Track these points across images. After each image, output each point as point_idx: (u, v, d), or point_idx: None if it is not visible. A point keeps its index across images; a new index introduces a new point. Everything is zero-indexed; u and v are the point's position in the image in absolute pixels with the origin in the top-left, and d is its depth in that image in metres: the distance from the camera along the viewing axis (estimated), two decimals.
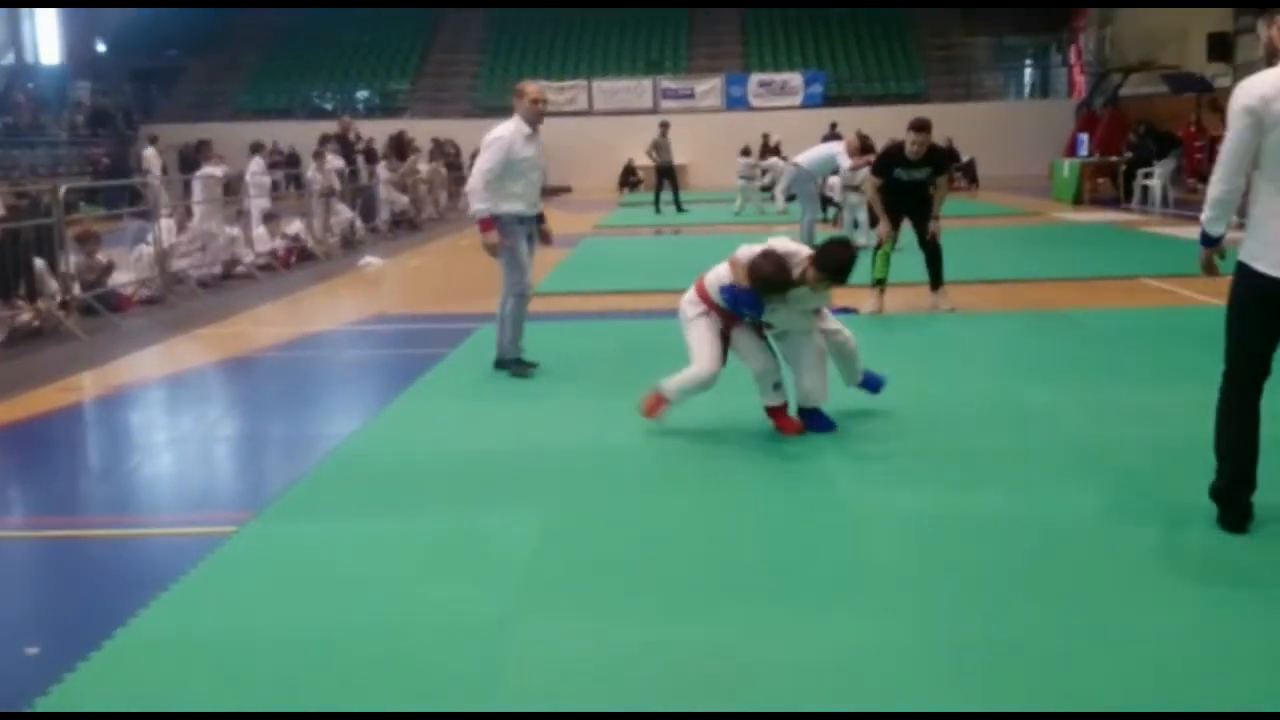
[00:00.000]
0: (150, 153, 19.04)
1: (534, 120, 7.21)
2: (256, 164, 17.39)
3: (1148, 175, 20.99)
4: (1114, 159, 23.00)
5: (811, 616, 3.63)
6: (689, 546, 4.26)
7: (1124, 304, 9.83)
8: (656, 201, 22.53)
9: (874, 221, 9.83)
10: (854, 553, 4.16)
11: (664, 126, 23.13)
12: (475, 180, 7.14)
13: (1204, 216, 4.29)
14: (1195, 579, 3.88)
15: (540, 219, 7.53)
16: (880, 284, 9.51)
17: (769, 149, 26.76)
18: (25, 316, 9.70)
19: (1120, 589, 3.78)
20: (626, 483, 5.05)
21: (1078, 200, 22.03)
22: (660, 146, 22.55)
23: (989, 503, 4.65)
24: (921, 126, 9.24)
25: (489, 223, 7.08)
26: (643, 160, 31.06)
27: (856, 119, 25.85)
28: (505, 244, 7.20)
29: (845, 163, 14.83)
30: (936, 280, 9.58)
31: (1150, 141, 22.22)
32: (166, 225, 12.62)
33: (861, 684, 3.16)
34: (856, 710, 3.02)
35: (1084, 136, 24.75)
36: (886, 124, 28.63)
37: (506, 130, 7.16)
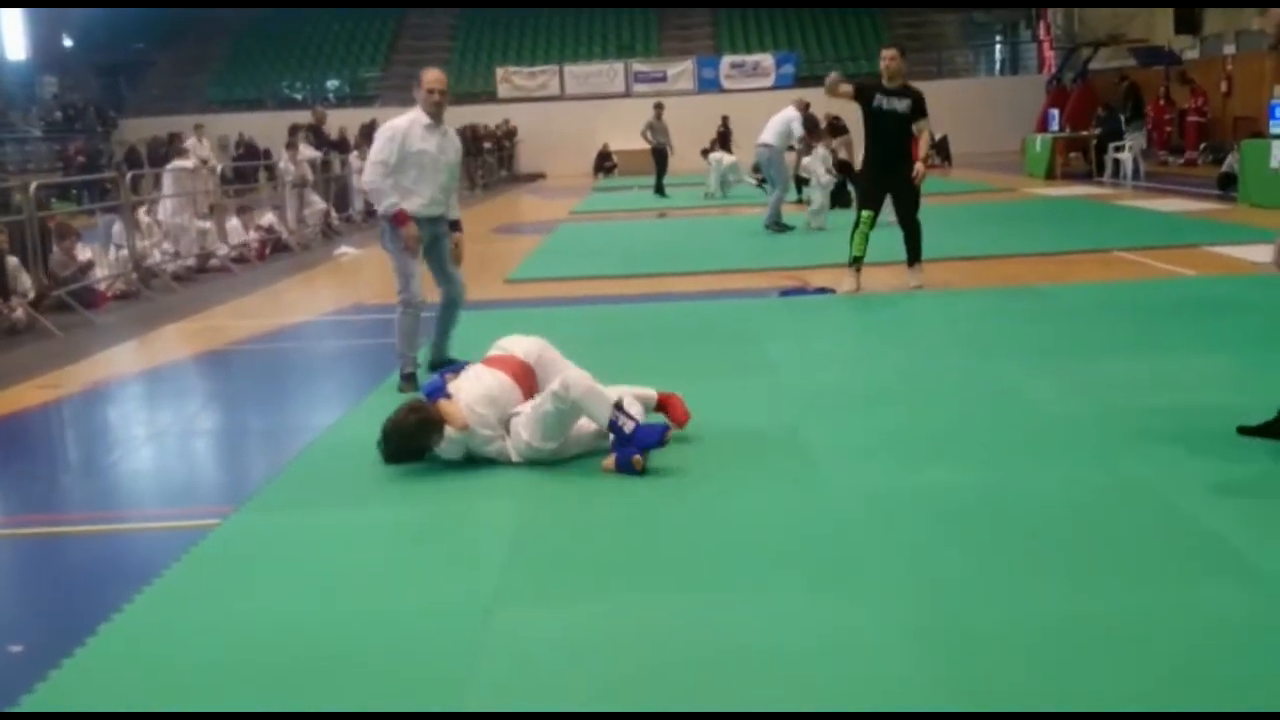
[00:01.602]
0: (192, 142, 18.55)
1: (432, 111, 6.53)
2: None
3: (1118, 149, 21.10)
4: (1085, 133, 23.11)
5: (793, 599, 3.65)
6: (668, 531, 4.29)
7: (1097, 277, 9.89)
8: (659, 184, 22.30)
9: (861, 202, 9.79)
10: (832, 533, 4.18)
11: (659, 108, 22.97)
12: (368, 174, 6.55)
13: None
14: (1178, 552, 3.91)
15: (454, 226, 6.89)
16: (857, 262, 9.52)
17: (721, 138, 26.42)
18: (1, 313, 9.64)
19: (1102, 565, 3.81)
20: (605, 469, 5.05)
21: (1050, 175, 22.13)
22: (655, 128, 22.41)
23: (963, 480, 4.68)
24: (893, 45, 9.42)
25: (402, 215, 6.45)
26: (618, 144, 31.07)
27: (828, 99, 25.82)
28: (393, 243, 6.61)
29: (798, 130, 14.87)
30: (914, 257, 9.59)
31: (1127, 103, 22.39)
32: (142, 220, 12.56)
33: (843, 666, 3.18)
34: (839, 693, 3.05)
35: (1055, 111, 24.84)
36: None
37: (403, 119, 6.56)
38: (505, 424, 5.17)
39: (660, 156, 22.52)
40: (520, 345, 5.55)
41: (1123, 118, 22.18)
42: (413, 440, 5.08)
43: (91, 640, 3.55)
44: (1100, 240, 12.18)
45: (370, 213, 19.99)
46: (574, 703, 3.02)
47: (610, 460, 5.00)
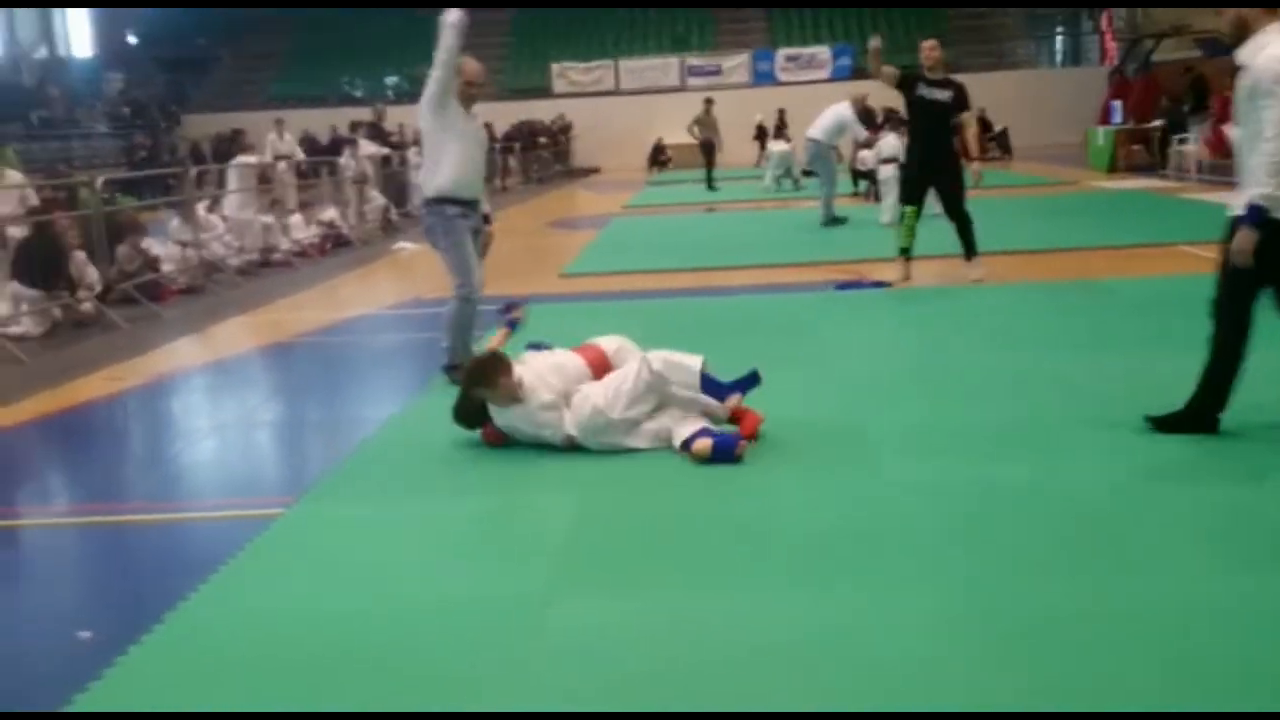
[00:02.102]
0: (272, 137, 18.60)
1: (466, 101, 6.47)
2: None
3: (1183, 141, 20.76)
4: (1148, 126, 22.76)
5: (852, 594, 3.65)
6: (725, 525, 4.29)
7: (1160, 272, 9.75)
8: (709, 179, 22.32)
9: (904, 196, 9.74)
10: (884, 527, 4.17)
11: (708, 103, 22.95)
12: (430, 88, 6.29)
13: (1272, 185, 4.53)
14: (1233, 547, 3.87)
15: (486, 219, 6.80)
16: (905, 254, 9.49)
17: (780, 128, 26.25)
18: (68, 306, 9.84)
19: (1150, 561, 3.78)
20: (659, 464, 5.07)
21: (1112, 168, 21.81)
22: (703, 123, 22.38)
23: (1018, 474, 4.64)
24: (933, 38, 9.47)
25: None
26: (672, 139, 31.02)
27: (887, 91, 25.66)
28: (446, 238, 6.48)
29: (860, 131, 14.72)
30: (970, 249, 9.51)
31: (1192, 95, 22.01)
32: (201, 215, 12.75)
33: (883, 658, 3.18)
34: (891, 687, 3.04)
35: (1118, 104, 24.47)
36: None
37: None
38: (567, 399, 5.25)
39: (709, 151, 22.50)
40: (604, 339, 5.73)
41: (1186, 110, 21.81)
42: (476, 378, 5.25)
43: (158, 628, 3.62)
44: (1163, 234, 12.00)
45: None
46: (630, 694, 3.04)
47: (704, 444, 4.96)
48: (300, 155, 17.45)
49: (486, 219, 6.81)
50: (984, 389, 6.04)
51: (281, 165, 16.52)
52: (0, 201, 10.68)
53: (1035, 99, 31.36)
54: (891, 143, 14.44)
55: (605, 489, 4.78)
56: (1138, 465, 4.72)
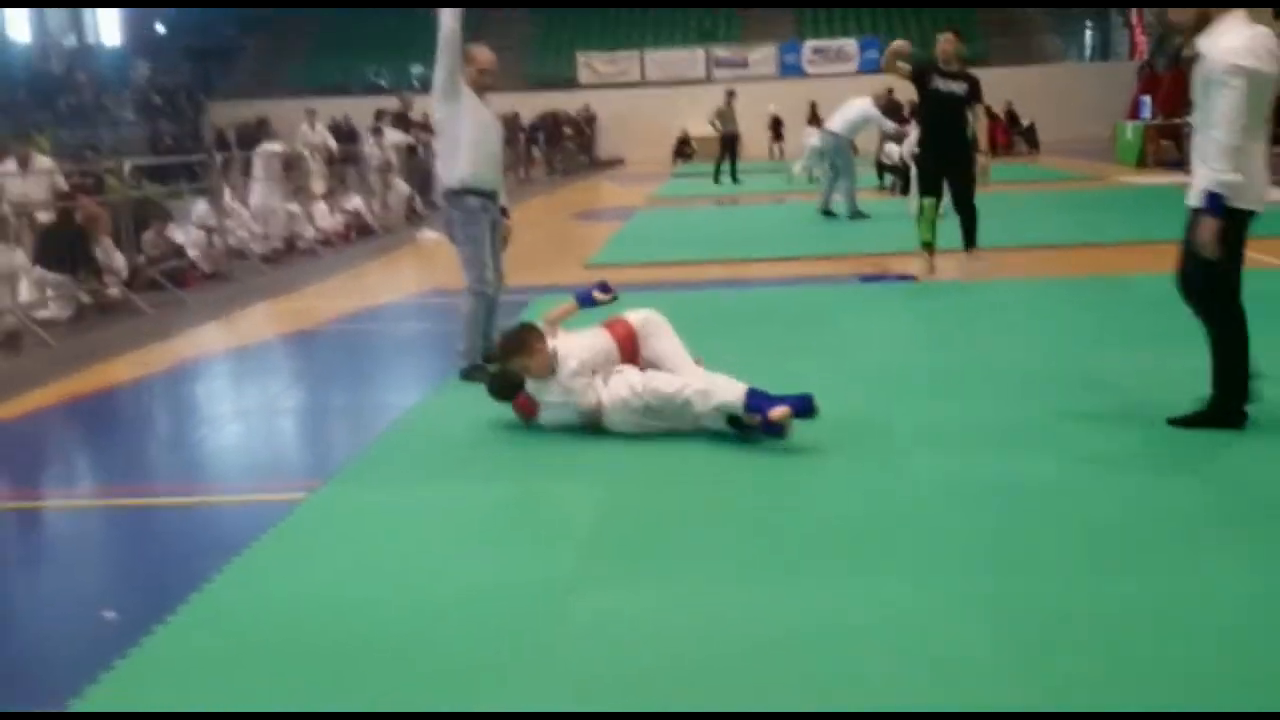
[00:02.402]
0: (304, 127, 18.42)
1: (480, 89, 6.38)
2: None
3: None
4: (1178, 120, 22.58)
5: (873, 585, 3.64)
6: (749, 516, 4.29)
7: None
8: (717, 172, 22.37)
9: (922, 189, 9.71)
10: (906, 522, 4.16)
11: (730, 95, 22.94)
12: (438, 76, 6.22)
13: (1224, 170, 4.66)
14: (1260, 541, 3.84)
15: (504, 212, 6.69)
16: (928, 247, 9.48)
17: (815, 119, 26.28)
18: (96, 292, 9.91)
19: (1177, 557, 3.76)
20: (685, 453, 5.07)
21: (1141, 163, 21.68)
22: (724, 115, 22.38)
23: (1041, 470, 4.62)
24: (948, 29, 9.43)
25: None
26: (697, 131, 31.02)
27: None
28: (464, 230, 6.38)
29: (888, 125, 14.65)
30: (970, 241, 9.51)
31: None
32: (227, 203, 12.82)
33: (920, 650, 3.17)
34: (914, 678, 3.03)
35: (1146, 98, 24.31)
36: None
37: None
38: (597, 373, 5.32)
39: (730, 144, 22.50)
40: (634, 313, 5.69)
41: None
42: (515, 347, 5.32)
43: (182, 609, 3.64)
44: None
45: None
46: (652, 683, 3.04)
47: (784, 410, 4.94)
48: (333, 145, 17.42)
49: (504, 212, 6.72)
50: (1007, 384, 6.01)
51: (312, 156, 16.51)
52: (30, 187, 10.74)
53: (1063, 93, 31.20)
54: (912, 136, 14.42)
55: (630, 479, 4.78)
56: (1162, 462, 4.69)
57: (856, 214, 14.23)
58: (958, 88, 9.16)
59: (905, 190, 16.56)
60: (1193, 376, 5.94)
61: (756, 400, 5.01)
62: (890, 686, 2.96)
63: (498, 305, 6.75)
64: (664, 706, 2.91)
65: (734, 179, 22.13)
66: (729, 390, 5.08)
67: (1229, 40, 4.66)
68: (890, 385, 6.06)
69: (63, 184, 11.12)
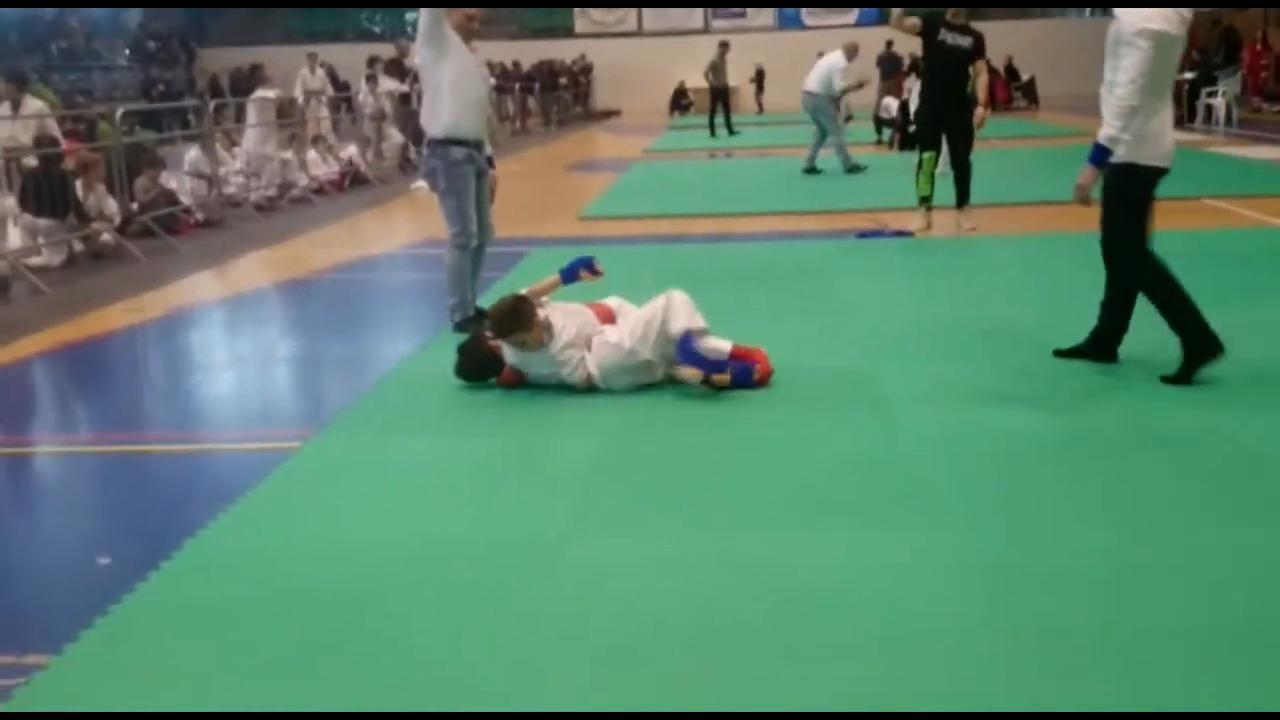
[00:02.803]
0: (304, 72, 18.07)
1: (467, 36, 6.26)
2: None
3: (1211, 94, 20.50)
4: (1177, 78, 22.47)
5: (861, 538, 3.66)
6: (741, 470, 4.30)
7: (1183, 225, 9.65)
8: (711, 124, 22.29)
9: (922, 143, 9.67)
10: (903, 474, 4.18)
11: (723, 47, 22.74)
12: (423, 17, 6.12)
13: (1116, 128, 4.97)
14: (1255, 497, 3.86)
15: (490, 162, 6.58)
16: (926, 202, 9.51)
17: None
18: (86, 237, 9.86)
19: (1177, 512, 3.78)
20: (680, 409, 5.07)
21: None
22: (716, 68, 22.24)
23: (1045, 426, 4.64)
24: None
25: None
26: (694, 82, 30.84)
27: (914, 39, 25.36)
28: (447, 182, 6.28)
29: (839, 82, 14.53)
30: (963, 199, 9.54)
31: (1221, 47, 21.69)
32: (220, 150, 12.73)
33: (909, 602, 3.19)
34: (906, 629, 3.05)
35: None
36: None
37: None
38: (587, 343, 5.29)
39: (721, 96, 22.39)
40: (608, 299, 5.70)
41: (1216, 62, 21.53)
42: (513, 323, 5.20)
43: (177, 555, 3.65)
44: (1189, 188, 11.85)
45: None
46: (643, 634, 3.06)
47: (691, 372, 5.10)
48: (331, 91, 17.24)
49: (490, 162, 6.62)
50: (1002, 339, 6.01)
51: (311, 101, 16.37)
52: (19, 130, 10.65)
53: (1063, 48, 30.94)
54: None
55: (625, 433, 4.78)
56: (1159, 419, 4.71)
57: (852, 168, 14.16)
58: (964, 42, 9.14)
59: (904, 145, 16.50)
60: None
61: (686, 348, 5.10)
62: (881, 639, 2.98)
63: (484, 257, 6.71)
64: (654, 657, 2.92)
65: (730, 130, 22.01)
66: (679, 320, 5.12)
67: (1141, 6, 4.91)
68: (886, 341, 6.06)
69: (53, 128, 11.01)
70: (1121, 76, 4.90)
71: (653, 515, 3.91)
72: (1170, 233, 9.20)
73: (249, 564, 3.60)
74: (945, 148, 9.57)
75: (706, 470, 4.31)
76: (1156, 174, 5.15)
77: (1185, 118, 21.14)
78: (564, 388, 5.30)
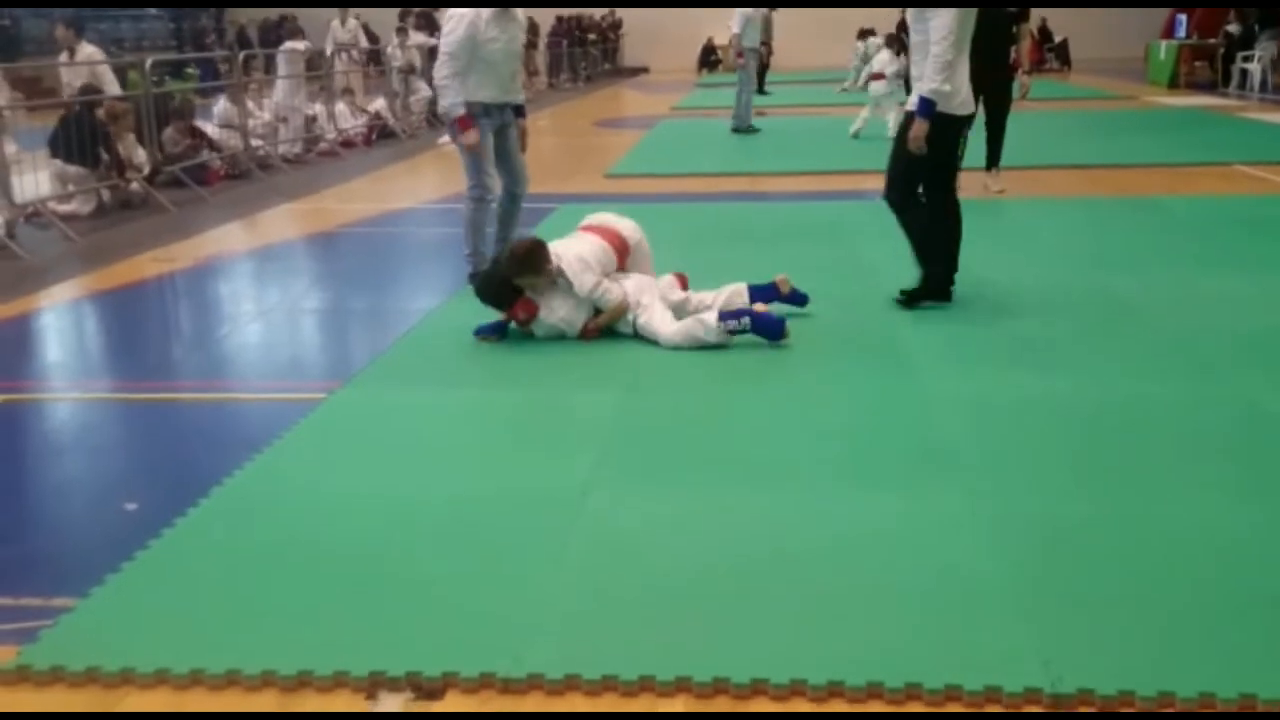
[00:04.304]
0: (335, 24, 17.35)
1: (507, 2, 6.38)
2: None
3: (1246, 59, 20.21)
4: (1212, 41, 22.16)
5: (878, 496, 3.67)
6: (762, 427, 4.32)
7: (1216, 191, 9.58)
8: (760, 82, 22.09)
9: None
10: (925, 435, 4.18)
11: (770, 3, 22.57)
12: (439, 69, 6.33)
13: (938, 81, 5.46)
14: (1264, 468, 3.85)
15: (519, 112, 6.69)
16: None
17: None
18: (116, 186, 9.91)
19: (1190, 477, 3.77)
20: (704, 363, 5.09)
21: (1173, 84, 21.32)
22: (764, 23, 22.05)
23: (1064, 389, 4.63)
24: None
25: (466, 120, 6.30)
26: (723, 39, 30.55)
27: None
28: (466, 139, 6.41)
29: (735, 27, 14.53)
30: (993, 161, 9.44)
31: (1258, 11, 21.30)
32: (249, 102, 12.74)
33: (922, 556, 3.21)
34: (916, 581, 3.07)
35: (1183, 18, 23.80)
36: None
37: (469, 9, 6.29)
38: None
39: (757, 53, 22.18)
40: (624, 223, 5.69)
41: (1256, 26, 21.19)
42: (526, 265, 5.34)
43: (203, 502, 3.70)
44: (1222, 153, 11.76)
45: None
46: (664, 586, 3.09)
47: (745, 321, 5.28)
48: (364, 43, 16.98)
49: (520, 111, 6.69)
50: (1027, 303, 5.99)
51: (340, 55, 16.23)
52: (73, 75, 10.70)
53: (1097, 11, 30.53)
54: (884, 59, 13.96)
55: (648, 385, 4.82)
56: (1178, 378, 4.70)
57: (749, 129, 14.50)
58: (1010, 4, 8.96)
59: None
60: (1218, 299, 5.96)
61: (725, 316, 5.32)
62: (892, 594, 3.00)
63: (519, 208, 6.85)
64: (675, 609, 2.95)
65: (761, 90, 21.82)
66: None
67: None
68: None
69: (105, 75, 10.99)
70: (935, 35, 5.46)
71: (675, 468, 3.94)
72: (1202, 198, 9.18)
73: (274, 512, 3.65)
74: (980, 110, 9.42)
75: (727, 425, 4.33)
76: (963, 122, 5.74)
77: (1220, 82, 20.87)
78: (579, 341, 5.40)
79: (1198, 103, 18.23)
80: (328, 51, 15.78)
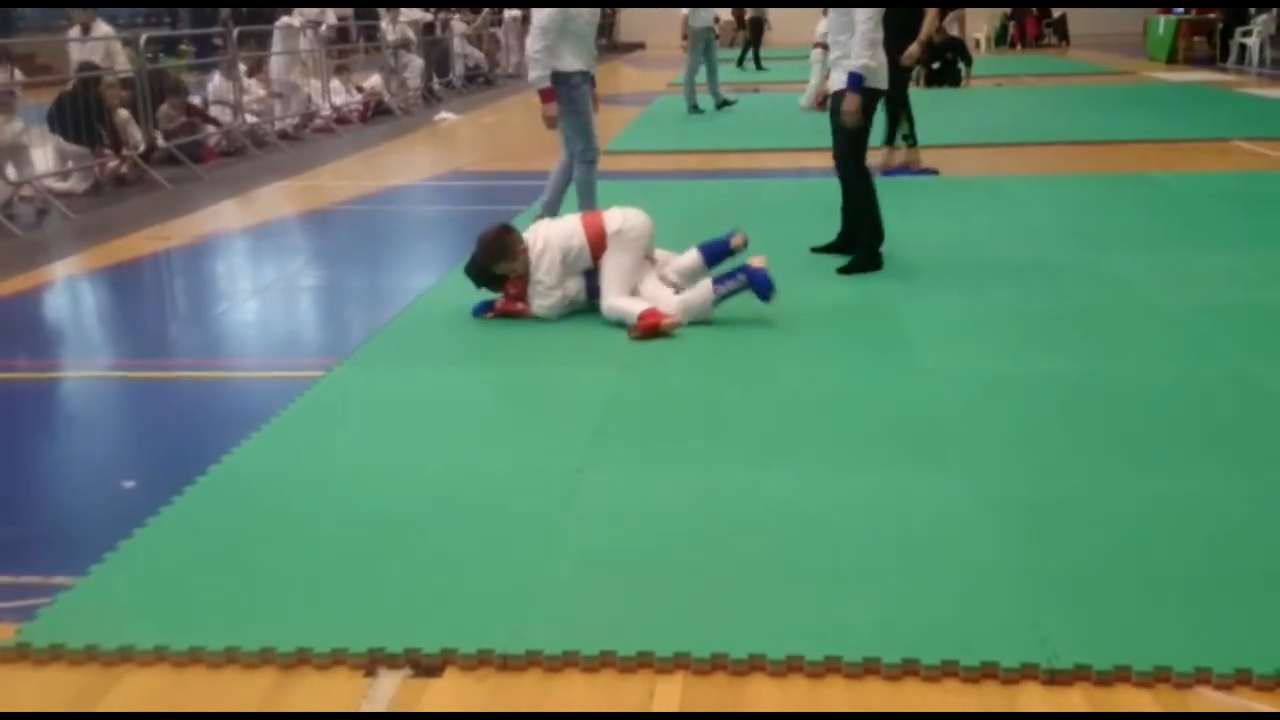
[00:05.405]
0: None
1: None
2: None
3: (1245, 34, 20.15)
4: (1211, 16, 22.08)
5: (875, 473, 3.67)
6: (759, 404, 4.32)
7: (1214, 167, 9.56)
8: (742, 57, 22.07)
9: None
10: (923, 412, 4.19)
11: None
12: (534, 40, 6.57)
13: (867, 57, 5.86)
14: (1260, 444, 3.86)
15: (592, 81, 6.92)
16: (908, 140, 9.38)
17: None
18: (111, 165, 9.88)
19: (1196, 451, 3.78)
20: (699, 340, 5.09)
21: (1171, 59, 21.26)
22: None
23: (1059, 365, 4.64)
24: None
25: (549, 92, 6.54)
26: (721, 14, 30.43)
27: None
28: (570, 104, 6.65)
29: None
30: (891, 136, 9.38)
31: None
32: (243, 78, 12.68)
33: (920, 534, 3.21)
34: (914, 558, 3.08)
35: None
36: None
37: None
38: (570, 276, 5.45)
39: (756, 28, 22.15)
40: (612, 214, 5.59)
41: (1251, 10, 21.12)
42: (498, 253, 5.39)
43: (200, 479, 3.70)
44: (1219, 129, 11.74)
45: (470, 78, 19.98)
46: (655, 560, 3.10)
47: (740, 279, 5.27)
48: (332, 20, 16.52)
49: (592, 81, 6.93)
50: (1022, 280, 5.99)
51: (293, 29, 15.58)
52: (89, 52, 10.66)
53: None
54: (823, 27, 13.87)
55: (643, 363, 4.81)
56: (1174, 355, 4.71)
57: (694, 109, 14.47)
58: None
59: (929, 83, 16.31)
60: (1214, 276, 5.95)
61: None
62: (888, 570, 3.00)
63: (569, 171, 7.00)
64: (672, 586, 2.96)
65: (758, 65, 21.78)
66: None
67: None
68: (906, 278, 6.05)
69: (118, 51, 10.96)
70: (861, 14, 5.84)
71: (670, 445, 3.94)
72: (1199, 175, 9.17)
73: (272, 489, 3.65)
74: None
75: (721, 402, 4.33)
76: (881, 95, 6.23)
77: (1218, 57, 20.81)
78: (581, 315, 5.42)
79: (1196, 78, 18.17)
80: (297, 24, 15.46)
